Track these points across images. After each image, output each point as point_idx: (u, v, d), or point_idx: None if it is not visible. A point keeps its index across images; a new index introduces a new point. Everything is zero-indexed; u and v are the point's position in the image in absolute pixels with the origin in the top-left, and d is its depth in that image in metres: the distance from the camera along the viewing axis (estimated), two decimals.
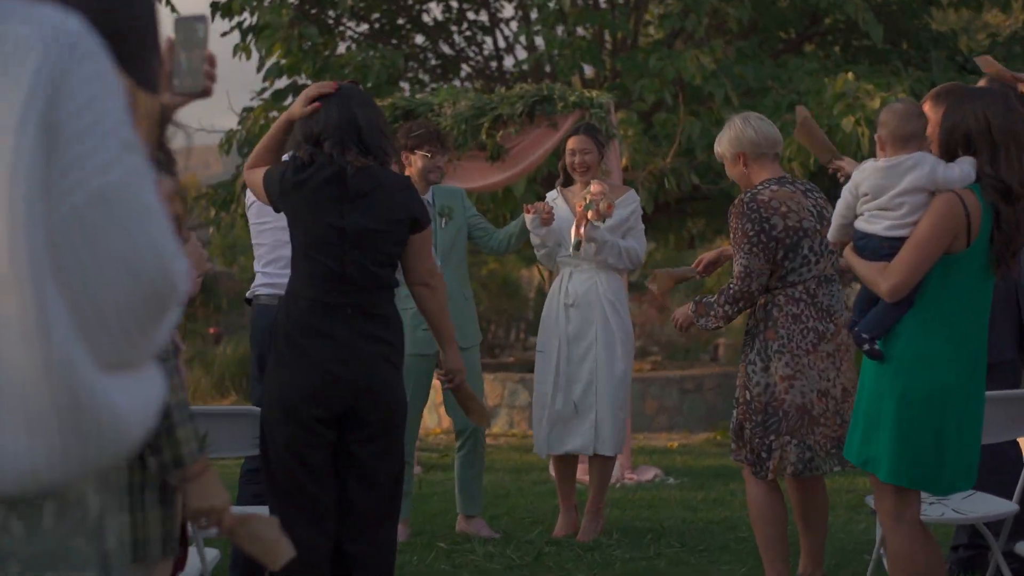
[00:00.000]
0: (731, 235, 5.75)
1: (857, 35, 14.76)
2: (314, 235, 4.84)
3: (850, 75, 11.77)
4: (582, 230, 7.10)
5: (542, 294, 23.74)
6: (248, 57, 13.91)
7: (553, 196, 7.51)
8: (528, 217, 7.18)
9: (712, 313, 5.80)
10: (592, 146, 7.34)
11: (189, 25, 2.68)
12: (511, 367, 16.08)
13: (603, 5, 14.65)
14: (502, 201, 12.02)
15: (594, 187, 7.08)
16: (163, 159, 2.75)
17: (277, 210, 5.02)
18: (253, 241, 6.49)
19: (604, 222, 7.09)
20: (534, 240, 7.31)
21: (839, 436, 5.59)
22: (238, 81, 12.26)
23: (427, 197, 7.24)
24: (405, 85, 15.09)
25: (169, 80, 2.68)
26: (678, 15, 13.35)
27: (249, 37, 14.06)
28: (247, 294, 6.49)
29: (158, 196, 1.79)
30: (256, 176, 5.05)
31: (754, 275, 5.65)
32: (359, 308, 4.83)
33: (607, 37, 14.99)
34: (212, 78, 2.76)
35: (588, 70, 14.73)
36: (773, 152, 5.86)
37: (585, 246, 7.14)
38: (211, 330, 20.93)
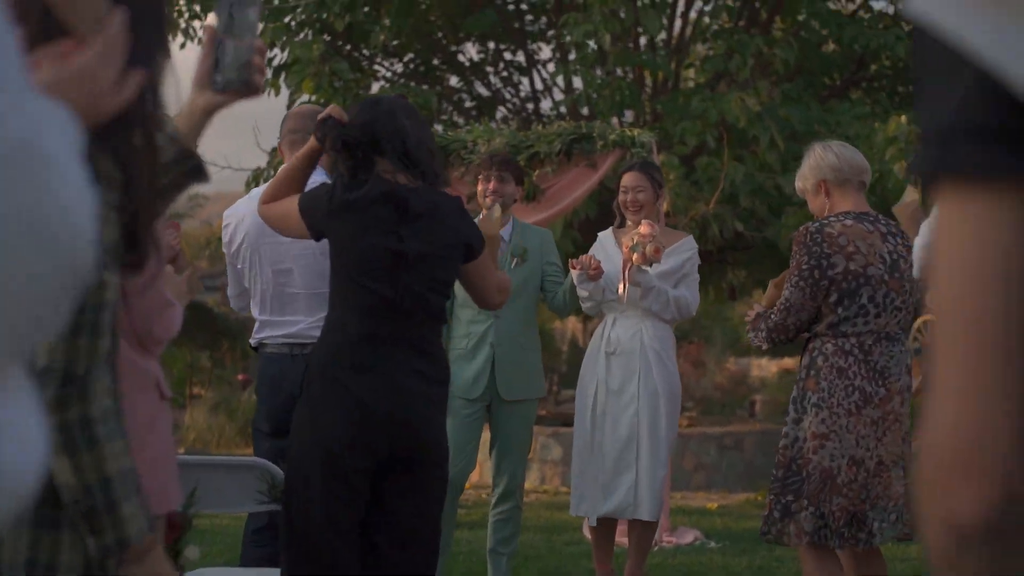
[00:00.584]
0: (790, 261, 5.33)
1: (903, 81, 14.25)
2: (366, 259, 4.33)
3: (903, 118, 11.26)
4: (627, 273, 6.60)
5: (575, 346, 23.24)
6: (277, 93, 13.48)
7: (605, 237, 7.01)
8: (574, 273, 6.67)
9: (759, 331, 5.42)
10: (647, 184, 6.83)
11: (239, 8, 2.23)
12: (543, 420, 15.47)
13: (643, 47, 14.19)
14: None
15: (643, 228, 6.57)
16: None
17: (318, 237, 4.48)
18: (245, 286, 5.83)
19: (651, 267, 6.58)
20: (581, 294, 6.81)
21: (857, 512, 5.11)
22: (267, 119, 11.83)
23: (505, 231, 6.77)
24: (439, 127, 14.65)
25: (210, 76, 2.27)
26: (722, 56, 12.88)
27: (282, 75, 13.65)
28: (251, 341, 5.91)
29: (71, 147, 1.26)
30: (284, 206, 4.52)
31: (793, 310, 5.22)
32: (409, 341, 4.33)
33: (647, 80, 14.53)
34: (262, 71, 2.31)
35: (628, 114, 14.27)
36: (858, 180, 5.40)
37: (630, 290, 6.63)
38: (240, 377, 20.51)
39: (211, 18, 2.22)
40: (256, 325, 5.77)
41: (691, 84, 14.93)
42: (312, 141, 4.51)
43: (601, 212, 13.48)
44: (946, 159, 1.13)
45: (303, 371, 4.53)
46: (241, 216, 5.79)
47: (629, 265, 6.54)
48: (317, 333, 4.58)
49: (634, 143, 9.07)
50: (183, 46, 13.72)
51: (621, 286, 6.61)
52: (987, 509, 1.10)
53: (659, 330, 6.81)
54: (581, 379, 6.92)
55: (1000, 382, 1.10)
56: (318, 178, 4.87)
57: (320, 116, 4.48)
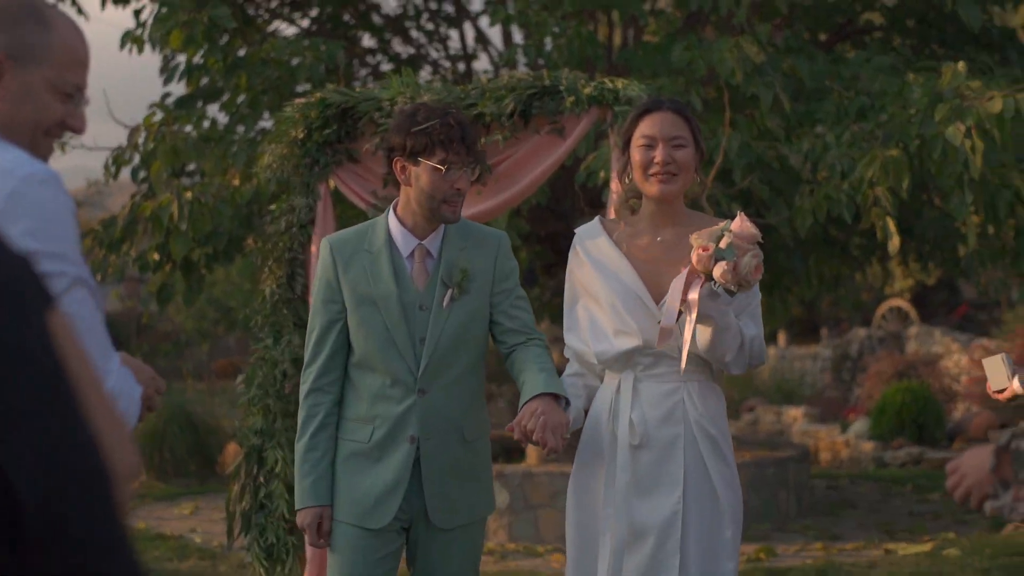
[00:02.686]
0: None
1: (938, 25, 11.58)
2: None
3: (960, 65, 8.57)
4: (693, 294, 3.85)
5: None
6: (140, 50, 10.56)
7: (589, 235, 4.25)
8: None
9: None
10: (687, 133, 4.10)
11: None
12: None
13: None
14: None
15: (736, 222, 3.84)
16: None
17: None
18: None
19: (737, 290, 3.85)
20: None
21: None
22: (124, 86, 8.95)
23: (432, 241, 4.20)
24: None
25: None
26: None
27: (145, 27, 10.75)
28: None
29: None
30: None
31: None
32: None
33: (613, 25, 11.81)
34: None
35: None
36: None
37: (687, 326, 3.90)
38: None
39: None
40: None
41: (652, 37, 12.19)
42: None
43: (556, 196, 10.72)
44: None
45: None
46: None
47: (702, 282, 3.81)
48: None
49: (617, 99, 6.36)
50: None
51: (677, 317, 3.90)
52: None
53: (710, 400, 4.08)
54: (574, 491, 4.19)
55: None
56: None
57: None
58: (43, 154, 2.48)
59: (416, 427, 4.15)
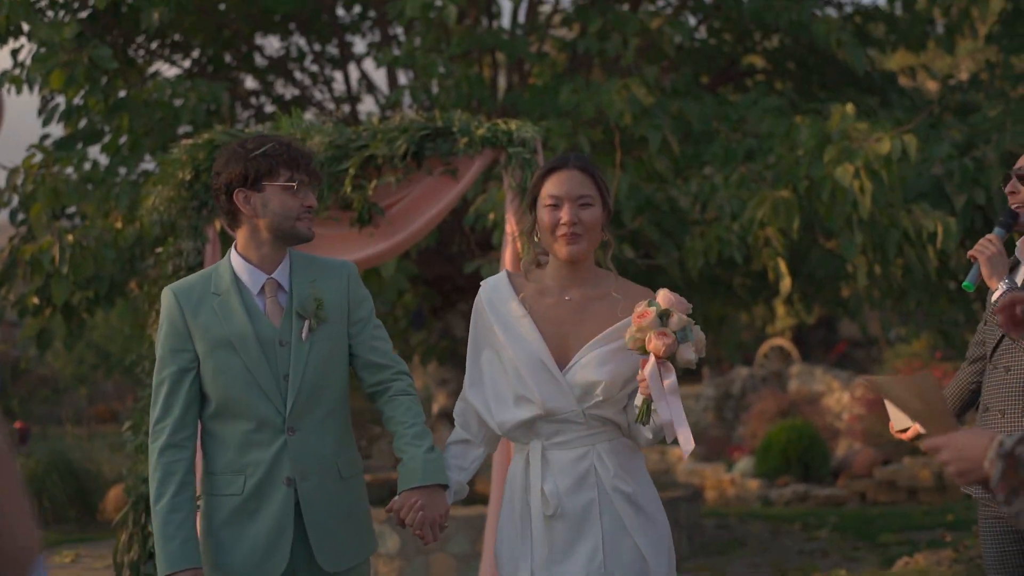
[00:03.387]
0: None
1: (818, 69, 11.73)
2: None
3: (849, 107, 8.65)
4: (667, 381, 3.76)
5: None
6: (19, 90, 10.32)
7: (496, 290, 4.14)
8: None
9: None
10: (594, 190, 4.02)
11: None
12: (373, 494, 12.59)
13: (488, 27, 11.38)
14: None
15: (662, 297, 3.79)
16: None
17: None
18: None
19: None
20: None
21: None
22: (6, 124, 8.79)
23: (281, 273, 4.12)
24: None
25: None
26: (594, 36, 10.15)
27: (23, 66, 10.50)
28: None
29: None
30: None
31: None
32: None
33: (498, 67, 11.79)
34: None
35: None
36: None
37: (653, 427, 3.88)
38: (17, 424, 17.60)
39: None
40: None
41: (536, 80, 12.20)
42: None
43: (445, 238, 10.65)
44: None
45: None
46: None
47: (664, 366, 3.77)
48: None
49: (511, 140, 6.33)
50: None
51: (638, 405, 3.88)
52: None
53: (622, 455, 3.99)
54: (499, 560, 4.08)
55: None
56: None
57: None
58: None
59: (290, 468, 3.99)
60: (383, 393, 4.13)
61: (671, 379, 3.72)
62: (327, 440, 4.05)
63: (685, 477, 16.80)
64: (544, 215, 3.97)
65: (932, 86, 15.94)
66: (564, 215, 3.92)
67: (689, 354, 3.69)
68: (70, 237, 9.46)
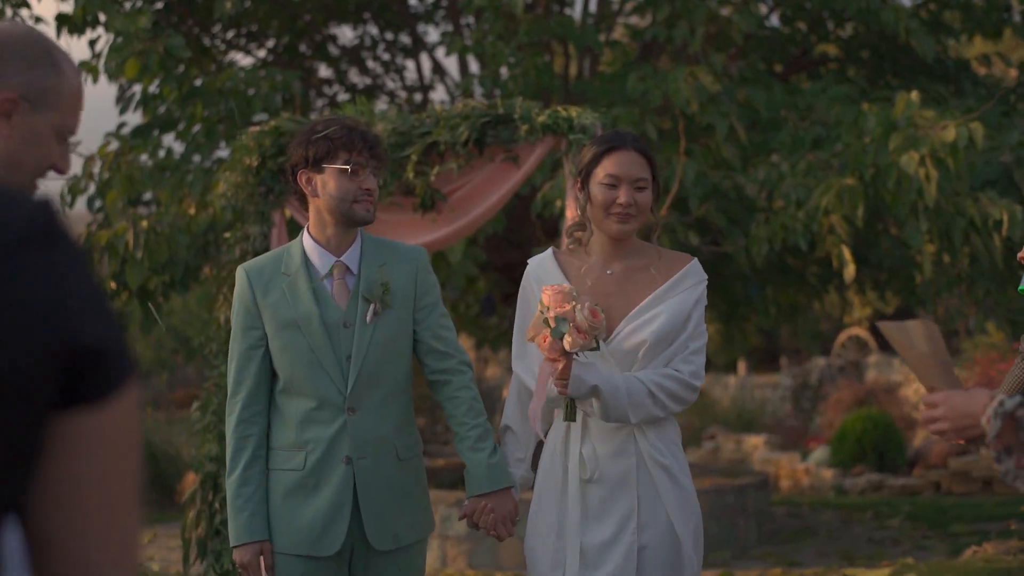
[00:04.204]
0: None
1: (890, 56, 11.66)
2: None
3: (914, 95, 8.62)
4: (552, 382, 3.94)
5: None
6: (95, 80, 10.52)
7: (543, 266, 4.22)
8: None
9: None
10: (649, 174, 4.08)
11: None
12: (441, 478, 12.68)
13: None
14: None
15: (546, 293, 3.90)
16: None
17: None
18: None
19: (599, 343, 3.89)
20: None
21: None
22: (82, 112, 8.98)
23: (350, 256, 4.18)
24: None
25: None
26: (661, 24, 10.18)
27: (100, 57, 10.70)
28: None
29: None
30: None
31: None
32: None
33: (569, 56, 11.83)
34: None
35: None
36: None
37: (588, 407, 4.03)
38: None
39: None
40: None
41: (607, 68, 12.23)
42: None
43: (513, 225, 10.71)
44: None
45: None
46: None
47: (560, 364, 3.88)
48: None
49: (572, 127, 6.37)
50: None
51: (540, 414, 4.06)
52: None
53: (660, 427, 4.06)
54: (533, 525, 4.17)
55: None
56: None
57: None
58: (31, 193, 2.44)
59: (349, 447, 4.08)
60: (445, 385, 4.21)
61: (554, 381, 3.88)
62: (386, 422, 4.13)
63: (760, 466, 16.77)
64: (599, 192, 4.03)
65: (1013, 74, 15.76)
66: (622, 196, 3.99)
67: (570, 340, 3.78)
68: (144, 223, 9.64)
